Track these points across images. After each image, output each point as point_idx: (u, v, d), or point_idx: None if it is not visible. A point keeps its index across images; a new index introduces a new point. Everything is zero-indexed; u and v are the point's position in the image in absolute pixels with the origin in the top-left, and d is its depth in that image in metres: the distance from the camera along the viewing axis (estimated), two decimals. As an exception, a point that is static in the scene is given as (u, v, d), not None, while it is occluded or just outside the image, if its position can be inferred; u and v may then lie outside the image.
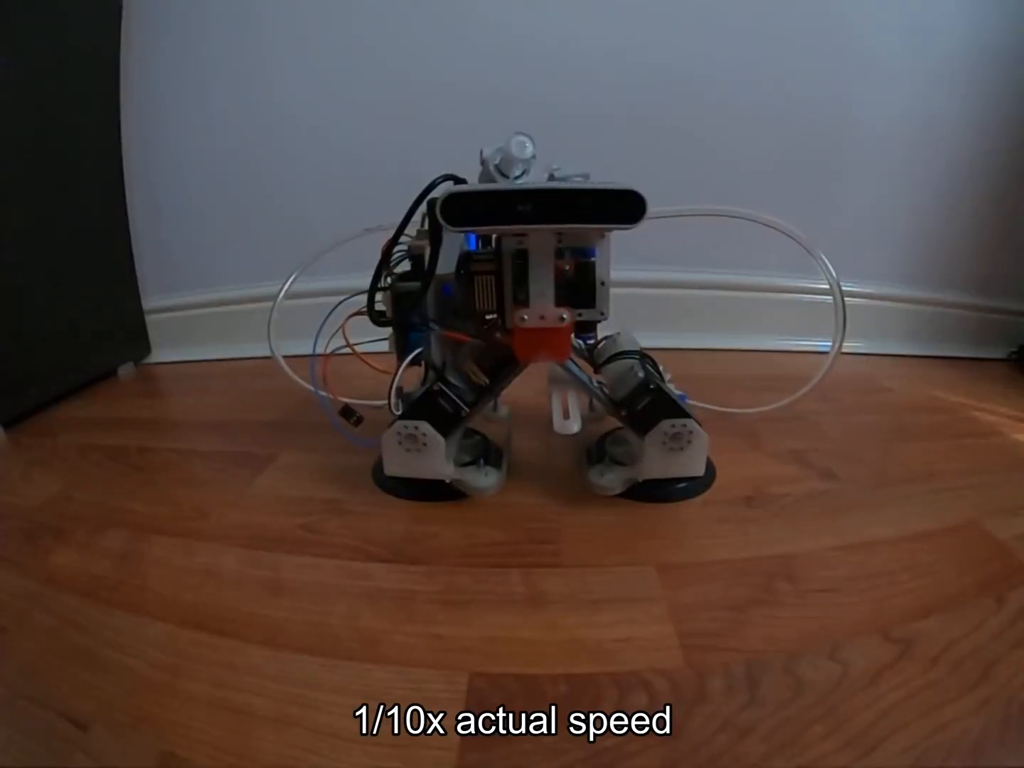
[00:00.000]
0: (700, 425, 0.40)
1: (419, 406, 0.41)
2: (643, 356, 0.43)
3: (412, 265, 0.41)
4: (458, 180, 0.37)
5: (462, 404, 0.41)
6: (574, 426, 0.39)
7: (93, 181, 0.78)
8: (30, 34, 0.65)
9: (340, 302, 0.42)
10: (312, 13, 0.77)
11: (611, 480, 0.43)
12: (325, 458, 0.52)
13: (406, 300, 0.39)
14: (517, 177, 0.37)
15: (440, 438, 0.40)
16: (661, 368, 0.45)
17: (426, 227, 0.39)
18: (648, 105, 0.77)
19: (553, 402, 0.41)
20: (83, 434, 0.63)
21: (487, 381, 0.41)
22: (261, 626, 0.32)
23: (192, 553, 0.39)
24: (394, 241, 0.39)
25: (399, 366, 0.41)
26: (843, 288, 0.46)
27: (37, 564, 0.39)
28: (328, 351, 0.43)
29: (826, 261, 0.46)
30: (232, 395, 0.74)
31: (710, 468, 0.46)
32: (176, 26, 0.79)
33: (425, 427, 0.40)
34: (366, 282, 0.40)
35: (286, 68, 0.80)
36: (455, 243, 0.39)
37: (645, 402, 0.40)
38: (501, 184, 0.35)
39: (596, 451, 0.47)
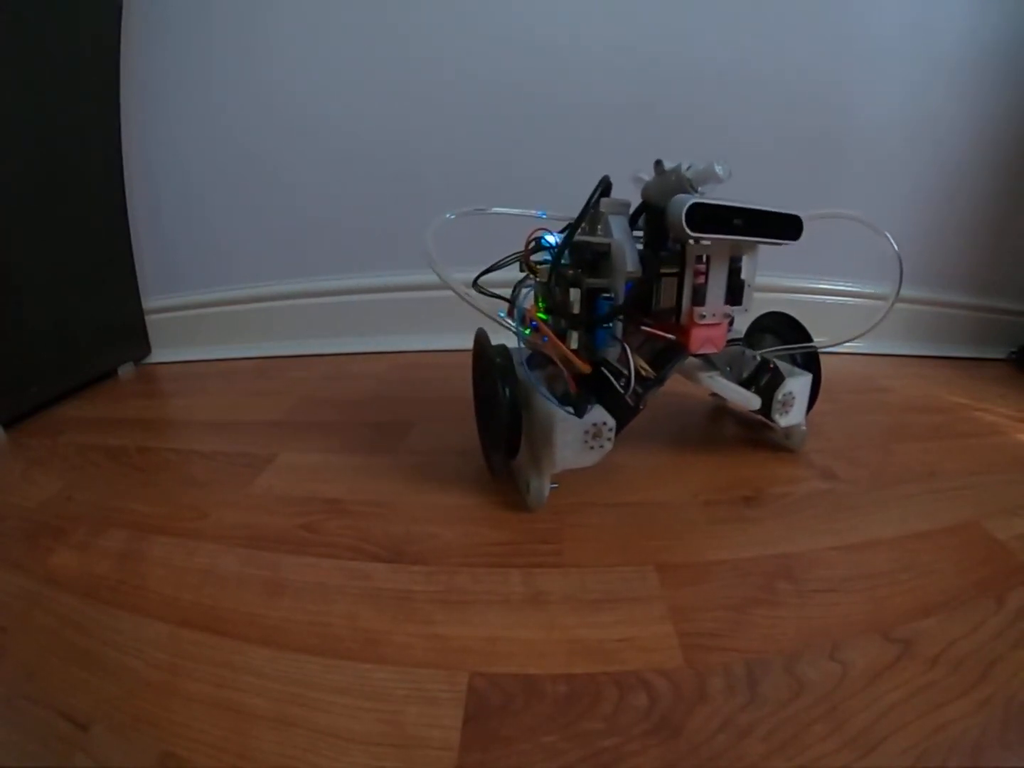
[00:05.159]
0: (787, 378, 0.47)
1: (612, 404, 0.40)
2: (743, 341, 0.51)
3: (592, 260, 0.41)
4: (607, 182, 0.41)
5: (641, 399, 0.41)
6: (755, 400, 0.46)
7: (93, 180, 0.78)
8: (29, 30, 0.65)
9: (518, 295, 0.43)
10: (317, 5, 0.77)
11: (801, 438, 0.51)
12: (325, 458, 0.52)
13: (596, 295, 0.40)
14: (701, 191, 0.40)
15: (611, 446, 0.40)
16: None
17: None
18: (649, 98, 0.77)
19: (718, 387, 0.47)
20: (83, 434, 0.63)
21: (654, 374, 0.42)
22: (261, 626, 0.32)
23: (192, 553, 0.39)
24: (571, 236, 0.40)
25: (630, 355, 0.40)
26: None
27: (37, 564, 0.39)
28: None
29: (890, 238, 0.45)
30: (232, 395, 0.74)
31: (811, 367, 0.51)
32: (177, 18, 0.79)
33: (612, 435, 0.40)
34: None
35: (289, 64, 0.80)
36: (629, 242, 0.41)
37: (767, 378, 0.48)
38: (733, 201, 0.38)
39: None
